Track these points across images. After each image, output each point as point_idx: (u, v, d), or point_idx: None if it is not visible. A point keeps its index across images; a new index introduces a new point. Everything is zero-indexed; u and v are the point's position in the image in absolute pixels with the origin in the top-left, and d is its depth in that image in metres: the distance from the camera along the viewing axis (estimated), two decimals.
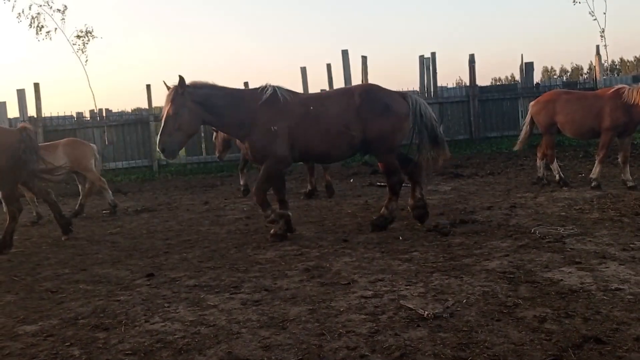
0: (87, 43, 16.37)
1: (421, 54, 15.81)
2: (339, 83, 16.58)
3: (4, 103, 14.69)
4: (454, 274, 4.05)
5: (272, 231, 5.74)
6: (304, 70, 15.27)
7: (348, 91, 5.88)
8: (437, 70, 15.76)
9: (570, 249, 4.53)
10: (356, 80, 15.28)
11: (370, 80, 15.25)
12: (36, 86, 14.56)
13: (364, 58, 15.08)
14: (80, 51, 16.30)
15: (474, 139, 15.25)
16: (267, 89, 5.50)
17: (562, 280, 3.72)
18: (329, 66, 15.76)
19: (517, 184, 8.56)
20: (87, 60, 16.42)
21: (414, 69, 15.93)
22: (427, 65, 15.70)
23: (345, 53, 15.23)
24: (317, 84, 32.26)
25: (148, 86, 14.77)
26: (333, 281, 4.11)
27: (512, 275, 3.90)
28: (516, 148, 8.73)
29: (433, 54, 15.83)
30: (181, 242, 6.03)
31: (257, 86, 5.68)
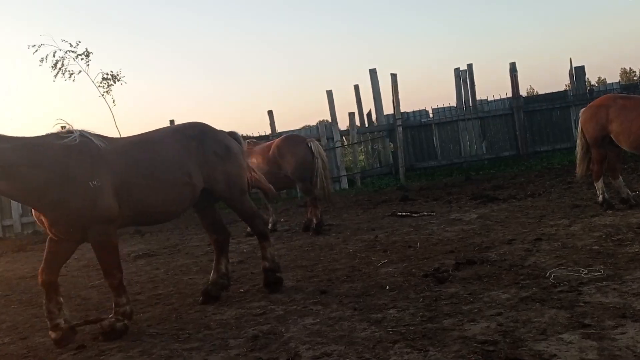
0: (112, 85, 16.55)
1: (456, 66, 14.92)
2: (368, 104, 15.90)
3: None
4: (421, 344, 3.21)
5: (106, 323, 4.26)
6: (330, 94, 14.70)
7: (178, 133, 4.76)
8: (476, 83, 14.76)
9: (584, 302, 3.56)
10: (387, 100, 14.59)
11: (403, 100, 14.50)
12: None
13: (394, 76, 14.32)
14: (105, 93, 16.50)
15: (521, 154, 14.05)
16: (73, 136, 4.17)
17: (554, 356, 2.81)
18: (356, 87, 15.18)
19: (555, 208, 7.48)
20: (114, 102, 16.58)
21: (450, 84, 15.02)
22: (464, 78, 14.74)
23: (373, 72, 14.57)
24: (345, 107, 31.54)
25: (172, 121, 14.67)
26: (272, 356, 3.38)
27: (491, 348, 3.01)
28: (579, 174, 7.34)
29: (469, 65, 14.86)
30: (151, 297, 5.48)
31: (57, 131, 4.32)
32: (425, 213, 8.56)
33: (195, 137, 4.72)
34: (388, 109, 14.71)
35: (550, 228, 6.18)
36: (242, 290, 5.27)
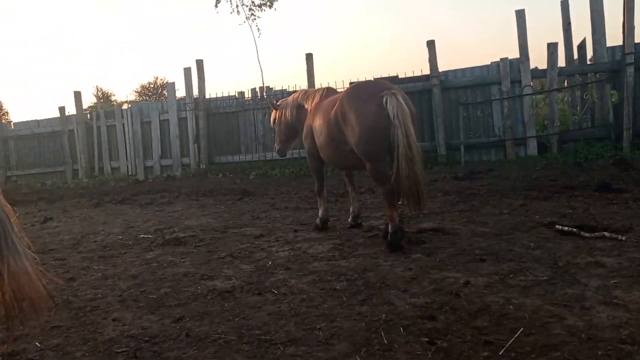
0: (262, 11, 14.81)
1: None
2: (581, 31, 11.28)
3: (173, 84, 14.30)
4: None
5: None
6: (521, 15, 10.59)
7: None
8: None
9: None
10: (613, 25, 9.94)
11: None
12: (199, 64, 13.63)
13: None
14: (252, 19, 14.86)
15: None
16: None
17: None
18: (564, 4, 10.66)
19: None
20: (259, 32, 14.89)
21: None
22: None
23: None
24: (543, 36, 24.23)
25: (309, 55, 12.35)
26: None
27: None
28: None
29: None
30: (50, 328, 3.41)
31: None
32: (606, 234, 4.82)
33: None
34: (613, 39, 10.15)
35: None
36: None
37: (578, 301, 3.39)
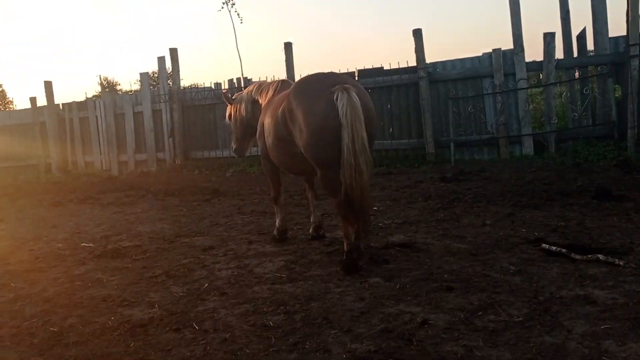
0: None
1: None
2: (580, 20, 10.58)
3: (147, 73, 13.55)
4: None
5: None
6: (514, 1, 9.85)
7: None
8: None
9: None
10: (616, 13, 9.28)
11: None
12: (173, 53, 12.86)
13: None
14: (232, 6, 14.15)
15: None
16: None
17: None
18: None
19: None
20: (241, 19, 14.15)
21: None
22: None
23: None
24: (538, 25, 23.34)
25: (287, 44, 11.58)
26: None
27: None
28: None
29: None
30: None
31: None
32: (600, 257, 4.10)
33: None
34: (616, 28, 9.45)
35: None
36: None
37: (557, 356, 2.69)
